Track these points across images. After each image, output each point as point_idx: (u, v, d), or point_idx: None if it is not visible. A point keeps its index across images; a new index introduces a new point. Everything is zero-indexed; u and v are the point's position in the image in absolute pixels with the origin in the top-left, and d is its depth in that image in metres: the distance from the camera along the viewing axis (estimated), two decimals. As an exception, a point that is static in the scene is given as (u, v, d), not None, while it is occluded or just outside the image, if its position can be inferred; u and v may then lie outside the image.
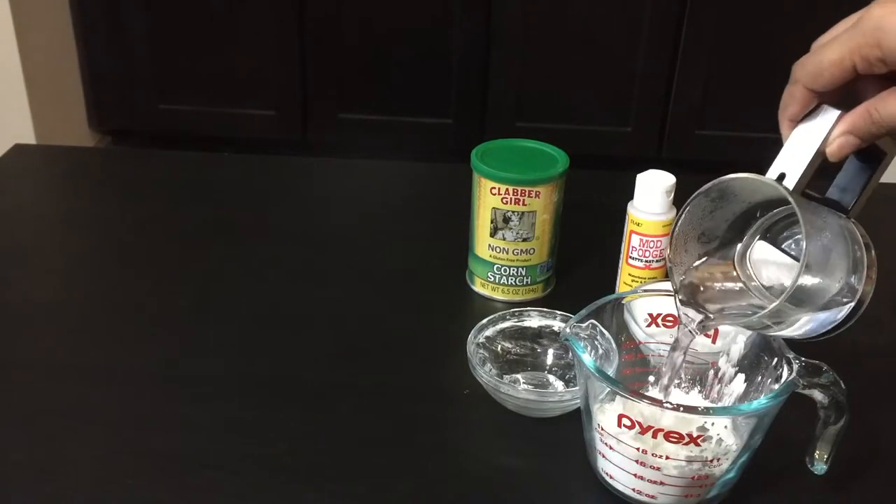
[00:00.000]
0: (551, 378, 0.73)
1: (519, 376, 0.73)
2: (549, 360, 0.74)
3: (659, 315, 0.64)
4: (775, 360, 0.58)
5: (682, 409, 0.53)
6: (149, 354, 0.75)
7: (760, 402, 0.55)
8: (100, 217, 0.97)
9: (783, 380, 0.56)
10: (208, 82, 2.42)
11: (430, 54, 2.35)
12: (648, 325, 0.64)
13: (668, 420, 0.54)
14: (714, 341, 0.63)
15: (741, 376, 0.61)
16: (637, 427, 0.55)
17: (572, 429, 0.66)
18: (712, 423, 0.55)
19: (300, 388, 0.71)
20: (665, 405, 0.53)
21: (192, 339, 0.77)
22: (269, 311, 0.81)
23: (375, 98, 2.41)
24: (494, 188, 0.79)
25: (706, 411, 0.55)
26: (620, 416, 0.56)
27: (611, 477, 0.60)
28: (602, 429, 0.58)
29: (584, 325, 0.60)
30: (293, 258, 0.90)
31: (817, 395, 0.56)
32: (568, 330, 0.59)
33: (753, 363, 0.61)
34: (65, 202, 1.02)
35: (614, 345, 0.63)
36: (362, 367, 0.74)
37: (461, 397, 0.71)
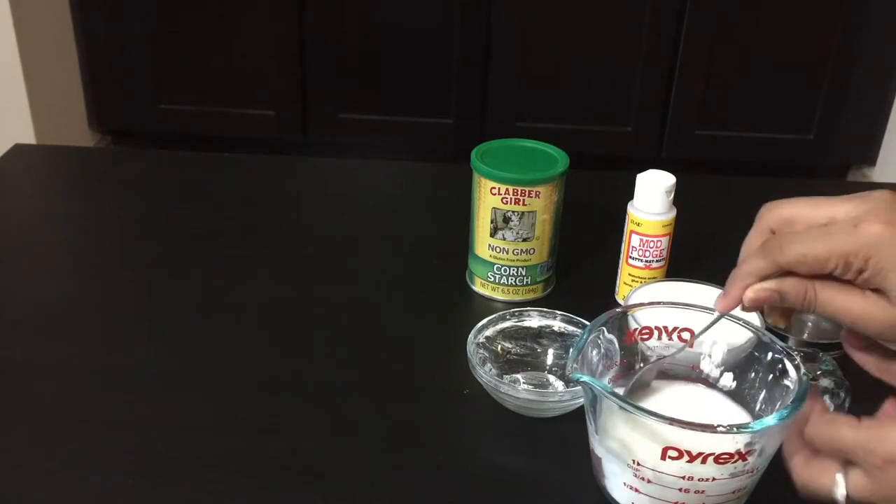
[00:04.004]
0: (551, 378, 0.73)
1: (519, 376, 0.73)
2: (549, 360, 0.74)
3: (635, 330, 0.63)
4: (769, 354, 0.58)
5: (735, 429, 0.52)
6: (149, 354, 0.75)
7: (798, 401, 0.54)
8: (100, 217, 0.97)
9: (788, 372, 0.55)
10: (208, 82, 2.42)
11: (430, 54, 2.35)
12: (628, 343, 0.63)
13: (720, 443, 0.53)
14: (691, 345, 0.62)
15: (729, 375, 0.61)
16: (686, 456, 0.53)
17: (572, 429, 0.66)
18: (759, 437, 0.54)
19: (300, 388, 0.71)
20: (718, 429, 0.52)
21: (191, 339, 0.77)
22: (268, 311, 0.81)
23: (375, 98, 2.41)
24: (494, 188, 0.79)
25: (759, 424, 0.53)
26: (666, 449, 0.54)
27: None
28: (639, 464, 0.56)
29: (581, 358, 0.59)
30: (293, 258, 0.90)
31: (824, 381, 0.55)
32: (571, 368, 0.57)
33: (740, 361, 0.60)
34: (65, 202, 1.02)
35: (616, 344, 0.63)
36: (362, 366, 0.74)
37: (461, 397, 0.71)
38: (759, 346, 0.59)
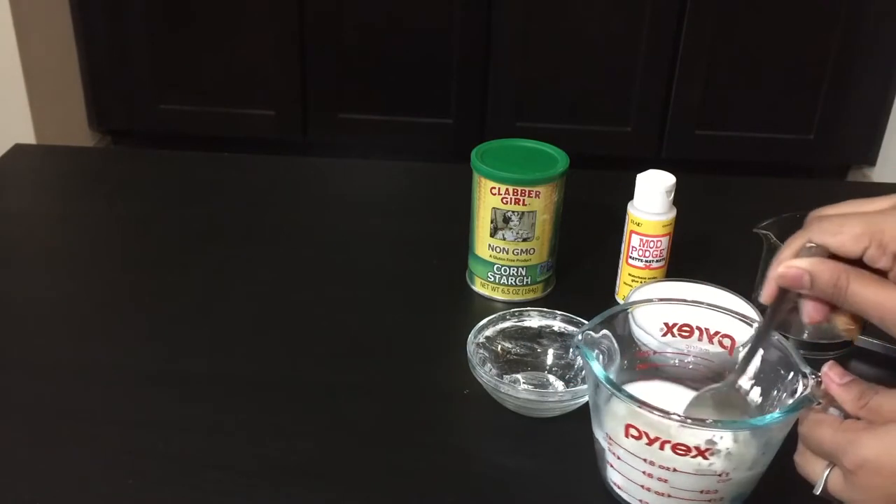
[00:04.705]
0: (551, 378, 0.73)
1: (519, 376, 0.73)
2: (549, 360, 0.74)
3: (675, 325, 0.63)
4: (791, 374, 0.57)
5: (690, 421, 0.53)
6: (149, 354, 0.75)
7: (773, 416, 0.54)
8: (100, 217, 0.97)
9: (798, 395, 0.55)
10: (208, 82, 2.42)
11: (430, 54, 2.35)
12: (664, 335, 0.63)
13: (676, 431, 0.54)
14: (731, 353, 0.62)
15: (757, 389, 0.60)
16: (644, 437, 0.54)
17: (572, 429, 0.66)
18: (721, 437, 0.54)
19: (300, 388, 0.71)
20: (672, 416, 0.53)
21: (191, 339, 0.77)
22: (269, 311, 0.81)
23: (375, 98, 2.41)
24: (494, 188, 0.79)
25: (714, 424, 0.54)
26: (628, 426, 0.55)
27: (618, 487, 0.59)
28: (611, 438, 0.57)
29: (597, 333, 0.60)
30: (293, 258, 0.90)
31: (833, 411, 0.54)
32: (580, 337, 0.58)
33: (770, 377, 0.59)
34: (65, 202, 1.02)
35: (616, 344, 0.63)
36: (362, 367, 0.74)
37: (461, 397, 0.71)
38: (784, 363, 0.58)
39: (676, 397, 0.63)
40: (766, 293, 0.53)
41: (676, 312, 0.63)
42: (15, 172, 1.07)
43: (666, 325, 0.63)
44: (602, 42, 2.31)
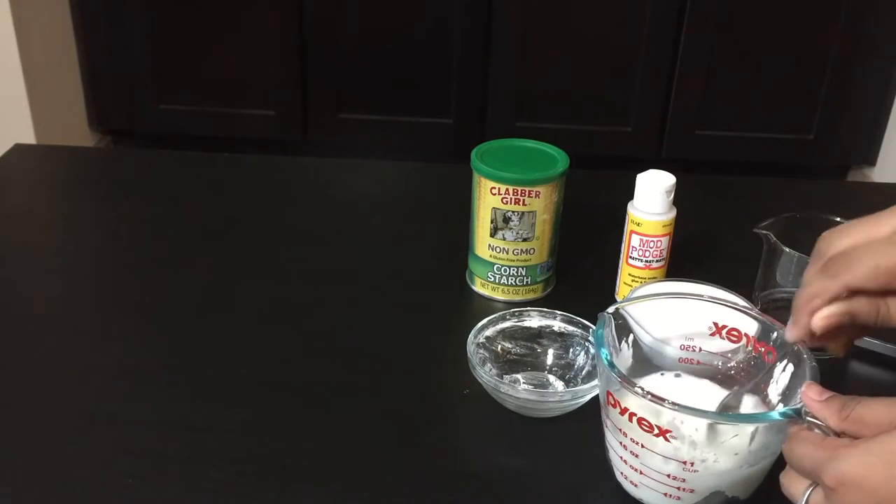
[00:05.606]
0: (551, 378, 0.73)
1: (519, 376, 0.73)
2: (549, 360, 0.74)
3: (724, 327, 0.63)
4: (800, 390, 0.57)
5: (649, 397, 0.54)
6: (148, 354, 0.75)
7: (738, 416, 0.54)
8: (100, 217, 0.97)
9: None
10: (208, 82, 2.42)
11: (430, 54, 2.35)
12: (713, 335, 0.64)
13: (635, 405, 0.55)
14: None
15: (781, 405, 0.60)
16: (618, 407, 0.56)
17: (572, 429, 0.67)
18: (682, 422, 0.55)
19: (300, 388, 0.71)
20: (636, 390, 0.54)
21: (191, 339, 0.77)
22: (268, 311, 0.81)
23: (375, 98, 2.41)
24: (494, 188, 0.79)
25: (672, 406, 0.54)
26: (608, 393, 0.57)
27: (609, 458, 0.61)
28: (602, 406, 0.60)
29: (628, 310, 0.62)
30: (293, 258, 0.90)
31: (818, 431, 0.54)
32: (611, 310, 0.61)
33: (792, 392, 0.59)
34: (65, 202, 1.02)
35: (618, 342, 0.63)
36: (362, 366, 0.74)
37: (461, 397, 0.71)
38: (802, 380, 0.57)
39: (705, 394, 0.63)
40: (797, 335, 0.53)
41: (725, 315, 0.63)
42: (15, 172, 1.07)
43: (715, 325, 0.63)
44: (602, 42, 2.31)
